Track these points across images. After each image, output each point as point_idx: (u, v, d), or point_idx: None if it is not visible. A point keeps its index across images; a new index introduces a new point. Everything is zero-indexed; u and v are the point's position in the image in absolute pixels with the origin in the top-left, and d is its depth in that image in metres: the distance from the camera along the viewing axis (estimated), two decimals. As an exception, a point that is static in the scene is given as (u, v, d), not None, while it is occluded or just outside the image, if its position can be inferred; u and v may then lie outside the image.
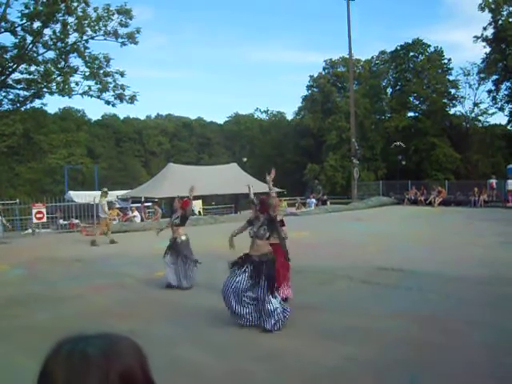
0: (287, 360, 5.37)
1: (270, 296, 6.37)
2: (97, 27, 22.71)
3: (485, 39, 44.43)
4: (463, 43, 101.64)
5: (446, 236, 15.52)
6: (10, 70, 22.23)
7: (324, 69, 56.52)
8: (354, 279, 9.26)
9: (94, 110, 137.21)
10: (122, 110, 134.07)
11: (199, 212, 26.76)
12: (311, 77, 56.72)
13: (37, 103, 25.39)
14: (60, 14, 21.58)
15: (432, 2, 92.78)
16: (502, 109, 47.00)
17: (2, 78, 22.39)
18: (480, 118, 49.64)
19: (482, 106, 48.67)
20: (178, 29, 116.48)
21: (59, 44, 22.52)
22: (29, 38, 21.94)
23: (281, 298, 6.95)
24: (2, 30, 21.31)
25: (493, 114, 48.52)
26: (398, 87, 53.31)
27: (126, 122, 71.95)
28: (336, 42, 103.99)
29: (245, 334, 6.34)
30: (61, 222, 22.01)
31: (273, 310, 6.31)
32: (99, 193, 31.10)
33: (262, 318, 6.41)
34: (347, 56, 40.78)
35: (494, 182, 29.17)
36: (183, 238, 9.34)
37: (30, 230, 19.52)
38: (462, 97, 49.94)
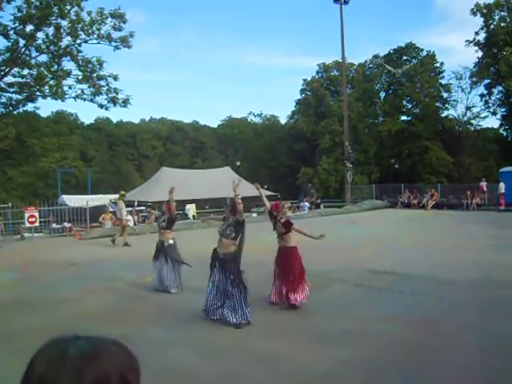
0: (281, 363, 5.36)
1: (237, 291, 6.82)
2: (90, 31, 22.68)
3: (477, 43, 44.80)
4: (455, 47, 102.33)
5: (438, 239, 15.59)
6: (3, 73, 22.16)
7: (317, 73, 56.79)
8: (347, 282, 9.28)
9: (87, 113, 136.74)
10: (115, 114, 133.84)
11: (193, 216, 26.72)
12: (305, 80, 56.97)
13: (29, 106, 25.36)
14: (53, 18, 21.55)
15: (424, 6, 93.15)
16: (494, 113, 47.39)
17: (-5, 81, 22.32)
18: (472, 121, 50.02)
19: (475, 110, 49.08)
20: (172, 32, 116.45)
21: (52, 47, 22.47)
22: (21, 42, 21.91)
23: (291, 303, 7.38)
24: (-5, 33, 21.25)
25: (485, 117, 48.94)
26: (390, 91, 53.61)
27: (119, 125, 71.72)
28: (329, 45, 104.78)
29: (238, 337, 6.33)
30: (54, 225, 21.91)
31: (238, 305, 6.76)
32: (92, 196, 31.16)
33: (229, 313, 6.79)
34: (340, 60, 40.92)
35: (484, 184, 29.37)
36: (171, 241, 9.36)
37: (19, 236, 19.34)
38: (454, 100, 50.31)
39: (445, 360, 5.34)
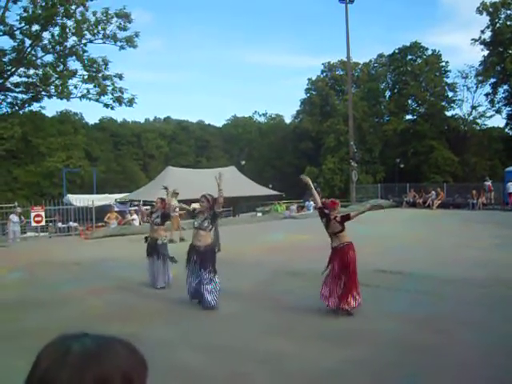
0: (285, 362, 5.37)
1: (211, 277, 7.47)
2: (95, 31, 22.76)
3: (482, 42, 44.63)
4: (461, 46, 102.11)
5: (443, 238, 15.57)
6: (9, 73, 22.26)
7: (322, 72, 56.76)
8: (352, 282, 9.26)
9: (92, 113, 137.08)
10: (120, 113, 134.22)
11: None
12: (309, 80, 56.95)
13: (35, 106, 25.43)
14: (59, 18, 21.62)
15: (429, 5, 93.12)
16: (499, 112, 47.23)
17: (1, 81, 22.42)
18: (478, 120, 49.89)
19: (480, 109, 48.96)
20: (177, 32, 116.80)
21: (58, 47, 22.56)
22: (27, 42, 22.01)
23: (344, 308, 7.10)
24: (1, 33, 21.36)
25: (491, 116, 48.83)
26: (396, 90, 53.49)
27: (124, 125, 71.89)
28: (334, 45, 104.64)
29: (243, 336, 6.34)
30: (59, 225, 21.99)
31: (212, 289, 7.46)
32: (98, 196, 31.27)
33: (203, 297, 7.49)
34: (345, 59, 40.87)
35: (489, 184, 29.19)
36: (164, 240, 9.56)
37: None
38: (460, 100, 50.20)
39: (448, 358, 5.34)
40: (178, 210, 16.65)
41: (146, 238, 9.90)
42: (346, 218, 7.35)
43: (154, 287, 9.18)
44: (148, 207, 23.99)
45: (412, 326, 6.47)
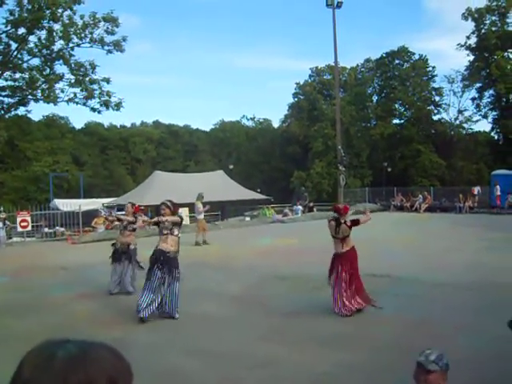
0: (279, 367, 5.35)
1: (177, 285, 7.37)
2: (83, 34, 22.67)
3: (468, 47, 45.12)
4: (446, 51, 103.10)
5: (431, 242, 15.63)
6: (-5, 77, 22.08)
7: (310, 76, 56.99)
8: (341, 286, 9.25)
9: (78, 117, 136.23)
10: (107, 118, 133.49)
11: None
12: (297, 84, 57.12)
13: (21, 110, 25.24)
14: (45, 21, 21.50)
15: (416, 11, 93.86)
16: (485, 116, 47.72)
17: (-14, 85, 22.23)
18: (464, 125, 50.36)
19: (466, 114, 49.43)
20: (165, 35, 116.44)
21: (44, 51, 22.43)
22: (13, 45, 21.84)
23: (352, 309, 7.28)
24: (-14, 36, 21.18)
25: (477, 121, 49.29)
26: (383, 94, 53.85)
27: (112, 129, 71.53)
28: (322, 49, 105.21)
29: (235, 341, 6.30)
30: (46, 230, 21.78)
31: (177, 298, 7.35)
32: (85, 201, 31.02)
33: (171, 306, 7.32)
34: (333, 64, 41.03)
35: (475, 189, 29.76)
36: (136, 245, 9.56)
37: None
38: (446, 104, 50.64)
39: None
40: (202, 214, 17.05)
41: (113, 243, 9.76)
42: (355, 223, 7.64)
43: (112, 293, 9.11)
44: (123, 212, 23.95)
45: (404, 330, 6.48)
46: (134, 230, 9.66)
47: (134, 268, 9.29)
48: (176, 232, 7.54)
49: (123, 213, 24.67)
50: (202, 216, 17.12)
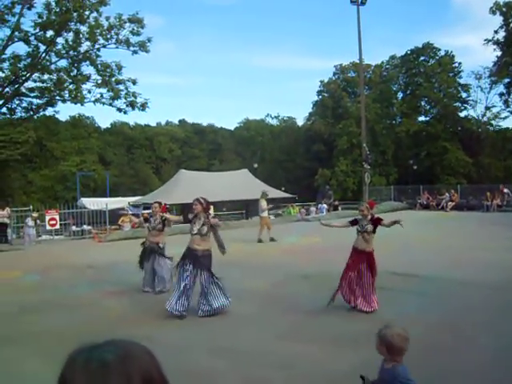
0: (301, 366, 5.37)
1: (213, 282, 7.46)
2: (109, 36, 22.96)
3: (496, 42, 44.23)
4: (473, 47, 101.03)
5: (457, 240, 15.46)
6: (24, 78, 22.53)
7: (334, 74, 56.58)
8: (365, 284, 9.23)
9: (103, 117, 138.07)
10: (132, 117, 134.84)
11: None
12: (322, 82, 56.78)
13: (49, 111, 25.69)
14: (72, 23, 21.87)
15: (441, 6, 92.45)
16: (514, 112, 46.71)
17: (16, 86, 22.70)
18: (492, 121, 49.40)
19: (494, 110, 48.48)
20: (188, 35, 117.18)
21: (72, 52, 22.80)
22: (42, 47, 22.27)
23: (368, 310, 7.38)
24: (16, 39, 21.63)
25: (505, 117, 48.30)
26: (408, 92, 53.20)
27: (137, 128, 72.34)
28: (346, 47, 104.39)
29: (256, 339, 6.35)
30: (73, 228, 22.18)
31: (216, 295, 7.43)
32: (111, 199, 31.45)
33: (207, 304, 7.43)
34: (357, 61, 40.72)
35: (505, 187, 29.03)
36: (164, 244, 9.61)
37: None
38: (473, 100, 49.75)
39: (463, 361, 5.32)
40: (265, 212, 17.28)
41: (143, 242, 9.83)
42: (378, 220, 7.66)
43: (144, 290, 9.28)
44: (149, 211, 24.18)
45: (427, 329, 6.43)
46: (163, 229, 9.69)
47: (162, 267, 9.31)
48: (204, 231, 7.54)
49: (149, 211, 25.01)
50: (265, 214, 17.41)
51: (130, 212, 24.34)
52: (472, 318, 6.94)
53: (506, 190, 28.77)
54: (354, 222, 7.88)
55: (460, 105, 50.45)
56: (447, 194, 29.60)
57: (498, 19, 43.65)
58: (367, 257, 7.55)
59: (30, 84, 23.10)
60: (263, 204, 17.33)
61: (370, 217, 7.70)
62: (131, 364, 0.92)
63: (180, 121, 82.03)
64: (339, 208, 31.02)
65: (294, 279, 10.07)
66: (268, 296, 8.65)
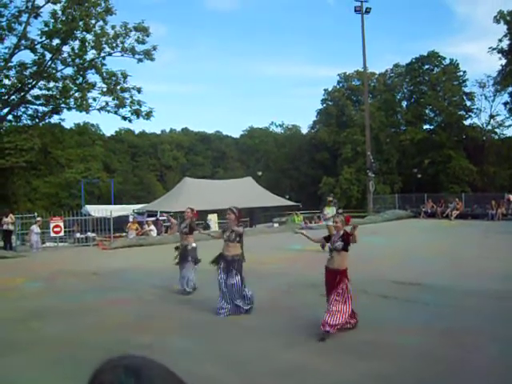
0: (305, 375, 5.34)
1: (243, 286, 7.96)
2: (114, 44, 23.11)
3: (500, 51, 44.28)
4: (477, 55, 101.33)
5: (462, 249, 15.38)
6: (30, 86, 22.68)
7: (338, 82, 56.73)
8: (370, 293, 9.18)
9: (108, 124, 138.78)
10: (137, 125, 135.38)
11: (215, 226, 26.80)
12: (326, 90, 56.93)
13: (55, 118, 25.84)
14: (78, 32, 22.02)
15: (445, 15, 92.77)
16: (518, 121, 46.66)
17: (22, 94, 22.85)
18: (496, 130, 49.35)
19: (499, 118, 48.47)
20: (192, 43, 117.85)
21: (77, 61, 22.95)
22: (48, 55, 22.43)
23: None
24: (22, 47, 21.79)
25: (509, 126, 48.27)
26: (412, 100, 53.25)
27: (141, 136, 72.62)
28: (350, 55, 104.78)
29: (262, 347, 6.32)
30: (78, 235, 22.22)
31: (248, 297, 7.99)
32: (116, 207, 31.53)
33: (239, 306, 7.94)
34: (361, 69, 40.81)
35: (511, 196, 28.88)
36: (193, 244, 9.99)
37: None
38: (477, 109, 49.72)
39: (469, 371, 5.27)
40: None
41: (176, 247, 10.24)
42: (348, 237, 6.93)
43: (183, 292, 9.60)
44: (164, 217, 24.21)
45: (433, 339, 6.37)
46: (190, 232, 10.06)
47: (190, 267, 9.70)
48: (232, 238, 8.07)
49: (153, 218, 25.02)
50: (330, 222, 17.23)
51: (138, 219, 24.38)
52: (479, 328, 6.87)
53: (511, 199, 28.65)
54: (327, 239, 7.50)
55: (464, 113, 50.43)
56: (453, 202, 29.50)
57: (502, 28, 43.78)
58: (340, 276, 6.87)
59: (35, 92, 23.29)
60: (326, 212, 16.92)
61: (342, 232, 7.07)
62: None
63: (183, 129, 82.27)
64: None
65: (299, 288, 10.03)
66: (273, 305, 8.61)
